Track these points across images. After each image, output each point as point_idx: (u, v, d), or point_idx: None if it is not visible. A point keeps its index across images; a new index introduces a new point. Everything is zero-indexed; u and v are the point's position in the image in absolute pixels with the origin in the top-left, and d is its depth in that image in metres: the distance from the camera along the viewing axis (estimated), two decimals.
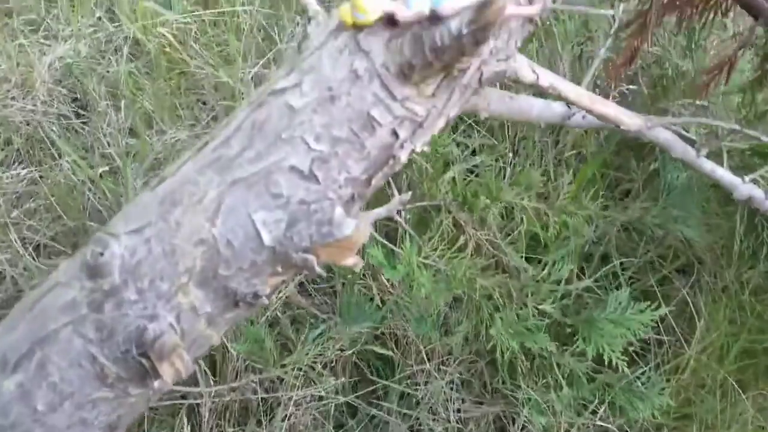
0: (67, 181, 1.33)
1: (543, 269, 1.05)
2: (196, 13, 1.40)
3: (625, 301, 0.88)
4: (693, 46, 0.86)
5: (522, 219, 1.00)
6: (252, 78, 1.31)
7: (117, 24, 1.58)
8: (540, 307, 0.91)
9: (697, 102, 0.73)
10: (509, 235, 1.11)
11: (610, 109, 0.64)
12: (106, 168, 1.29)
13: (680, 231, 0.97)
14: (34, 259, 1.26)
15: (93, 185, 1.30)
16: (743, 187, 0.77)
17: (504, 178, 1.15)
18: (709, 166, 0.74)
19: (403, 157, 0.57)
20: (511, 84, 0.71)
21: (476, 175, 1.04)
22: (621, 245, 1.25)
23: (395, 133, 0.54)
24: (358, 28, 0.51)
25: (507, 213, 1.06)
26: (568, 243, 1.10)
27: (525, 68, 0.60)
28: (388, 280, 1.06)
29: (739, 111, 0.68)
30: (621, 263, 1.22)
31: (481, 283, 0.93)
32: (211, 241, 0.52)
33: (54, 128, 1.45)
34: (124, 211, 0.56)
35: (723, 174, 0.75)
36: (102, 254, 0.52)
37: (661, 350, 1.21)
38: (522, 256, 1.12)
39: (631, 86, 0.90)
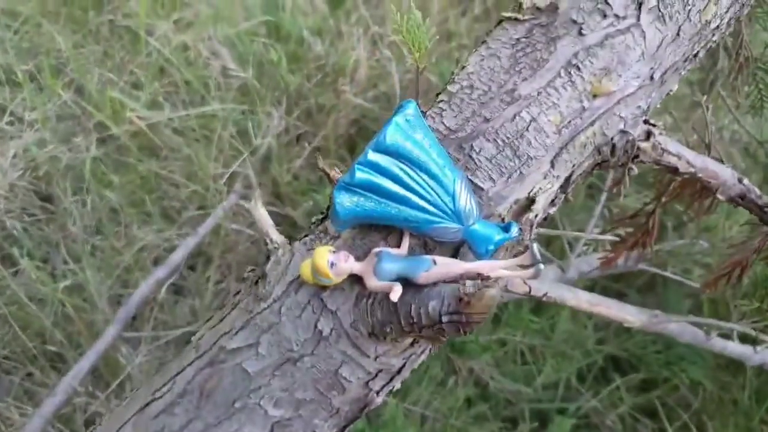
0: (26, 289, 1.24)
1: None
2: (166, 114, 1.32)
3: None
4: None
5: (516, 352, 0.93)
6: (225, 183, 1.24)
7: (85, 109, 1.50)
8: None
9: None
10: (505, 355, 1.03)
11: (612, 310, 0.57)
12: (68, 281, 1.20)
13: (686, 375, 0.90)
14: None
15: (54, 297, 1.22)
16: (756, 357, 0.70)
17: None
18: (719, 344, 0.67)
19: (380, 400, 0.49)
20: None
21: None
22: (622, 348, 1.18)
23: (368, 386, 0.47)
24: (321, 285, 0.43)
25: (500, 343, 0.98)
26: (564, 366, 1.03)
27: (516, 281, 0.53)
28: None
29: (751, 299, 0.62)
30: (622, 374, 1.16)
31: None
32: None
33: (17, 226, 1.36)
34: None
35: (734, 349, 0.69)
36: None
37: None
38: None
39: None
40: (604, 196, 0.70)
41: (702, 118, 0.60)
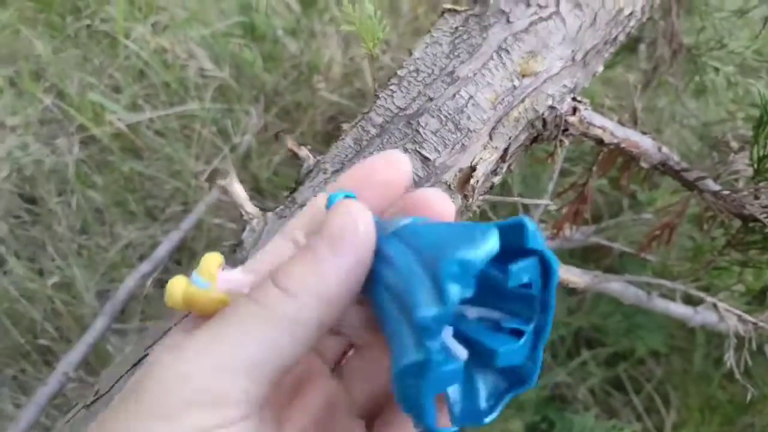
0: (15, 286, 1.28)
1: None
2: (146, 115, 1.37)
3: (591, 424, 0.87)
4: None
5: None
6: (206, 179, 1.29)
7: (66, 112, 1.54)
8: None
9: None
10: None
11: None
12: (56, 278, 1.24)
13: (643, 341, 0.96)
14: None
15: (43, 293, 1.26)
16: (697, 317, 0.77)
17: None
18: (661, 304, 0.74)
19: None
20: None
21: None
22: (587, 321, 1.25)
23: None
24: None
25: None
26: None
27: None
28: None
29: (688, 258, 0.69)
30: (590, 347, 1.22)
31: None
32: None
33: (3, 228, 1.40)
34: None
35: (676, 309, 0.75)
36: None
37: None
38: None
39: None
40: (555, 175, 0.77)
41: (648, 102, 0.66)
